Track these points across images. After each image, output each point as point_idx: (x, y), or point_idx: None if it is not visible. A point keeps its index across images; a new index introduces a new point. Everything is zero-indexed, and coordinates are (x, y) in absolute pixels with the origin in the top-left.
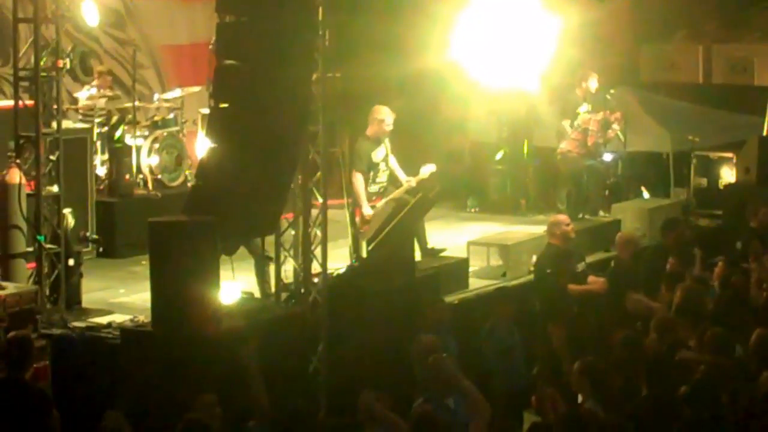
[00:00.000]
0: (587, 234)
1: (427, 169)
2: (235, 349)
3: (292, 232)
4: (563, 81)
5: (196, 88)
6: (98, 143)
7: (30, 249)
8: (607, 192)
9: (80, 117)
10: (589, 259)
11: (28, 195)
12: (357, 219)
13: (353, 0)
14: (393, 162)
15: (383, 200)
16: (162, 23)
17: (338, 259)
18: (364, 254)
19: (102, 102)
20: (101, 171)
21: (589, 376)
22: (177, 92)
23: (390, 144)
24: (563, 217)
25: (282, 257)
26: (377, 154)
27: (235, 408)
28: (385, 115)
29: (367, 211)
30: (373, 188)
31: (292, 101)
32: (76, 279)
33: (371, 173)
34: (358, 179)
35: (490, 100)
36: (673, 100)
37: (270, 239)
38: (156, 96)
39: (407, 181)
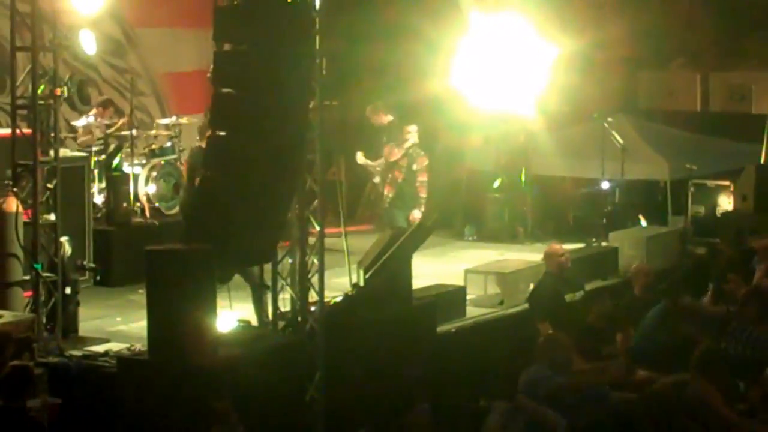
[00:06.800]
0: (585, 262)
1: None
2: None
3: (290, 261)
4: (561, 109)
5: (194, 118)
6: (96, 171)
7: (27, 277)
8: (604, 220)
9: (78, 145)
10: (587, 286)
11: (25, 223)
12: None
13: (350, 28)
14: None
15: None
16: (164, 51)
17: (335, 288)
18: (361, 282)
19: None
20: (99, 199)
21: None
22: (172, 119)
23: None
24: (557, 247)
25: (279, 286)
26: None
27: None
28: None
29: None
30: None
31: (289, 129)
32: (72, 307)
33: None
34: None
35: (487, 128)
36: (670, 128)
37: (267, 267)
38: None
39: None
